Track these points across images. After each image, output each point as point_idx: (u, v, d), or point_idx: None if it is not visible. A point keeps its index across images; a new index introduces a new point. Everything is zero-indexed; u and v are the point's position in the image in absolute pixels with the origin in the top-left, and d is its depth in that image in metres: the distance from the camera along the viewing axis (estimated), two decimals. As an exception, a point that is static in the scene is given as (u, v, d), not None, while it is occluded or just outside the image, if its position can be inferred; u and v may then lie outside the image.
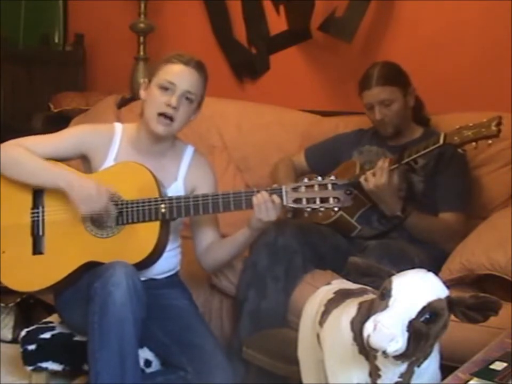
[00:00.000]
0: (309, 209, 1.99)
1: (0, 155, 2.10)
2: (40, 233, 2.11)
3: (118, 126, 2.23)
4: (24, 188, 2.13)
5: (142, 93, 2.18)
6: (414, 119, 2.60)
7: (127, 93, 3.55)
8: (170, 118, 2.09)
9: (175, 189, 2.18)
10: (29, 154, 2.10)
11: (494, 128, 2.12)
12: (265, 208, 2.00)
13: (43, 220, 2.12)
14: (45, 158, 2.12)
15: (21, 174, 2.10)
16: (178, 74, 2.10)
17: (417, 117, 2.61)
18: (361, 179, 2.35)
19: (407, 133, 2.57)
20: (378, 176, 2.31)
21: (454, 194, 2.47)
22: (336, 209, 1.99)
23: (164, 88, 2.09)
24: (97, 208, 2.03)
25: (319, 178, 1.99)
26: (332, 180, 1.98)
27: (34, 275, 2.10)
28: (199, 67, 2.13)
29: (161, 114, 2.08)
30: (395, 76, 2.51)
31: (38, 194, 2.13)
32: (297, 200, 2.00)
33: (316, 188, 1.98)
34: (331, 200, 1.97)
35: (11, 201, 2.13)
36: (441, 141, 2.24)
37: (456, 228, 2.42)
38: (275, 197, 2.00)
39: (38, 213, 2.12)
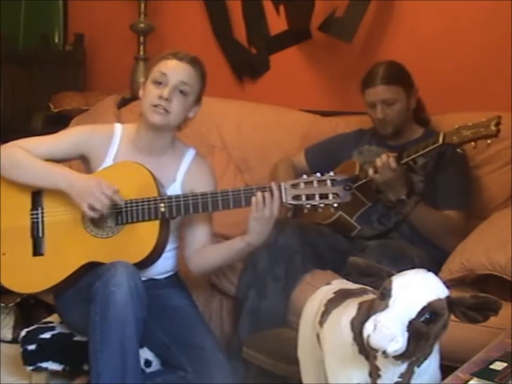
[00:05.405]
0: (308, 206, 1.98)
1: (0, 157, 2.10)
2: (40, 234, 2.11)
3: (118, 126, 2.24)
4: (23, 189, 2.13)
5: (141, 92, 2.19)
6: (415, 119, 2.60)
7: (127, 93, 3.54)
8: (165, 110, 2.09)
9: (173, 190, 2.17)
10: (29, 156, 2.11)
11: (493, 128, 2.12)
12: (262, 206, 2.00)
13: (43, 221, 2.12)
14: (44, 159, 2.12)
15: (21, 175, 2.11)
16: (171, 68, 2.11)
17: (418, 117, 2.61)
18: (370, 172, 2.34)
19: (408, 133, 2.57)
20: (383, 172, 2.31)
21: (455, 192, 2.47)
22: (335, 205, 1.98)
23: (158, 83, 2.10)
24: (99, 203, 2.00)
25: (318, 174, 1.99)
26: (330, 175, 1.97)
27: (35, 276, 2.11)
28: (194, 62, 2.14)
29: (155, 106, 2.09)
30: (400, 76, 2.51)
31: (37, 195, 2.13)
32: (297, 197, 1.99)
33: (315, 184, 1.97)
34: (330, 196, 1.96)
35: (10, 203, 2.13)
36: (440, 141, 2.24)
37: (458, 225, 2.43)
38: (275, 193, 1.99)
39: (37, 214, 2.13)
